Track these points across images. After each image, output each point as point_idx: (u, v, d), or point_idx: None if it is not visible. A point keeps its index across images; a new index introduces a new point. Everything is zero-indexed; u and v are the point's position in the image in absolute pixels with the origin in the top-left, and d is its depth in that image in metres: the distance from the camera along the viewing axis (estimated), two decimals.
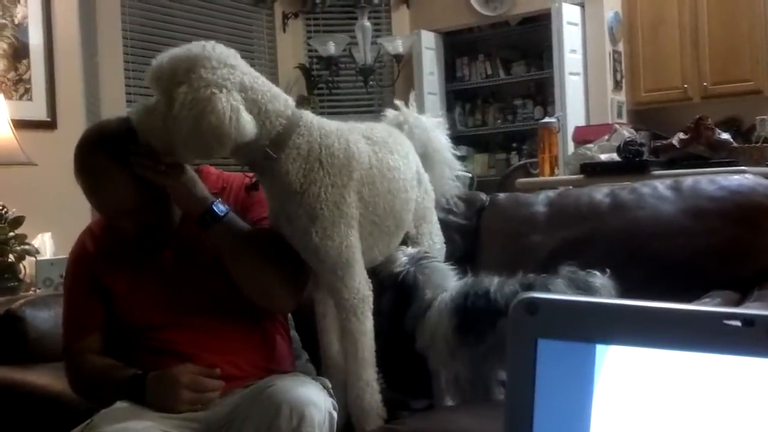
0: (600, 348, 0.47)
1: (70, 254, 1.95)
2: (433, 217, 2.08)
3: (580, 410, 0.47)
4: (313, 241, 1.70)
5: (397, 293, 1.87)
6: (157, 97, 1.63)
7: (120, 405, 1.69)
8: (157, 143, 1.64)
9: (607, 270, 1.74)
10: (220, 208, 1.71)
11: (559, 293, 1.68)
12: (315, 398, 1.62)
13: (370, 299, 1.79)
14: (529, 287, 1.74)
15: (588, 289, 1.70)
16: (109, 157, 1.70)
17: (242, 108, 1.59)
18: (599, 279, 1.73)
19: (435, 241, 2.05)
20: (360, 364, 1.76)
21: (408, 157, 1.92)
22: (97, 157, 1.71)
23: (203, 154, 1.65)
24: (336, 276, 1.74)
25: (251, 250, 1.74)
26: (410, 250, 1.93)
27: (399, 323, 1.87)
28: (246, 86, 1.63)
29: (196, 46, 1.64)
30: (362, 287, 1.77)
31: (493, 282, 1.79)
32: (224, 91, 1.57)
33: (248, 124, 1.59)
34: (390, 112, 2.12)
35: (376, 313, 1.81)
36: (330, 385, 1.77)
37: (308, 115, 1.74)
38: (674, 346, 0.46)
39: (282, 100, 1.70)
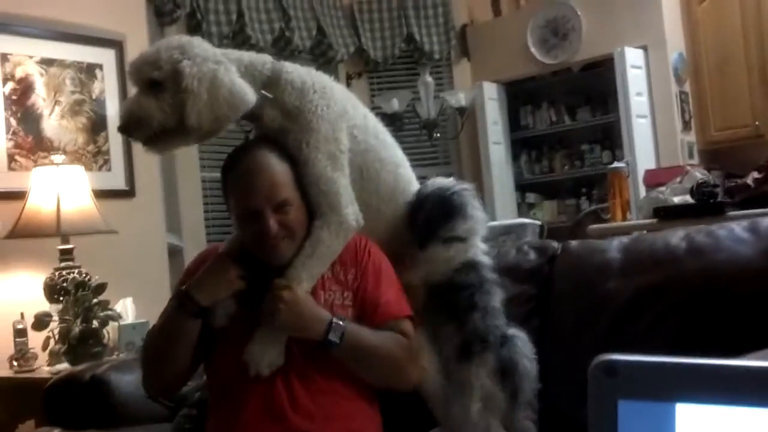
0: (680, 407, 0.47)
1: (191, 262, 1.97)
2: None
3: None
4: (303, 152, 1.79)
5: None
6: (143, 87, 1.83)
7: None
8: (166, 123, 1.76)
9: None
10: (336, 329, 1.72)
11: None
12: None
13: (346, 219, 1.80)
14: None
15: None
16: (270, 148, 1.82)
17: (237, 75, 1.75)
18: None
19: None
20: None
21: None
22: (261, 149, 1.82)
23: (217, 125, 1.74)
24: (321, 194, 1.80)
25: (375, 358, 1.78)
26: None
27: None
28: (227, 54, 1.80)
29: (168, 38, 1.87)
30: (350, 212, 1.80)
31: None
32: (220, 64, 1.74)
33: (249, 91, 1.75)
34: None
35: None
36: None
37: (287, 63, 1.90)
38: (755, 404, 0.46)
39: (258, 55, 1.87)
